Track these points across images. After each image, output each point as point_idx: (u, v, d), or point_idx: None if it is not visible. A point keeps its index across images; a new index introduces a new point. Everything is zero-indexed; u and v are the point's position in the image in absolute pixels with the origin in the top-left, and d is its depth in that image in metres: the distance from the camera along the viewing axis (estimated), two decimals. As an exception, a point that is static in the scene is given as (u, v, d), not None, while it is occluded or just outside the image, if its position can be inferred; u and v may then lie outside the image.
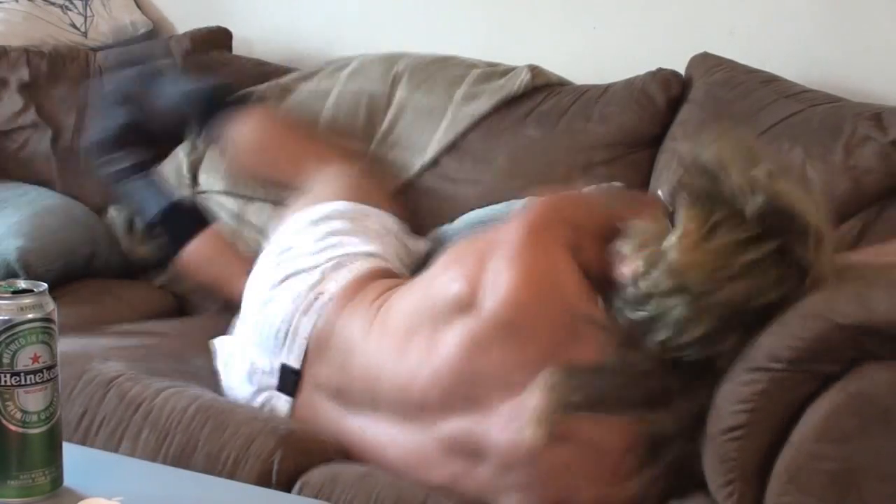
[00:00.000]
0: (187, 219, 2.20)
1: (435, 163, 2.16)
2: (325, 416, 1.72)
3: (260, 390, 1.78)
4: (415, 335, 1.64)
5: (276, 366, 1.77)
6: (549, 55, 2.22)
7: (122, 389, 1.69)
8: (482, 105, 2.15)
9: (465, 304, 1.60)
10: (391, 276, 1.84)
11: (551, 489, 1.51)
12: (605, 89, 2.09)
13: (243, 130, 2.19)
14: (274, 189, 2.19)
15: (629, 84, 2.08)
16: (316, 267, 1.81)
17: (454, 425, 1.59)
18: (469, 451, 1.57)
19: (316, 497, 1.53)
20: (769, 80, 1.99)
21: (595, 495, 1.50)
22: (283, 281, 1.82)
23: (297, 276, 1.81)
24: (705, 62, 2.06)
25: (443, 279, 1.67)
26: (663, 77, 2.07)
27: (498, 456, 1.54)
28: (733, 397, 1.35)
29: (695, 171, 1.52)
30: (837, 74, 2.04)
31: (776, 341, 1.33)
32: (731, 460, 1.36)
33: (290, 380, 1.76)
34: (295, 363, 1.75)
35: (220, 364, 1.86)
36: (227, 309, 2.03)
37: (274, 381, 1.77)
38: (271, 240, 1.97)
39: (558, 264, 1.59)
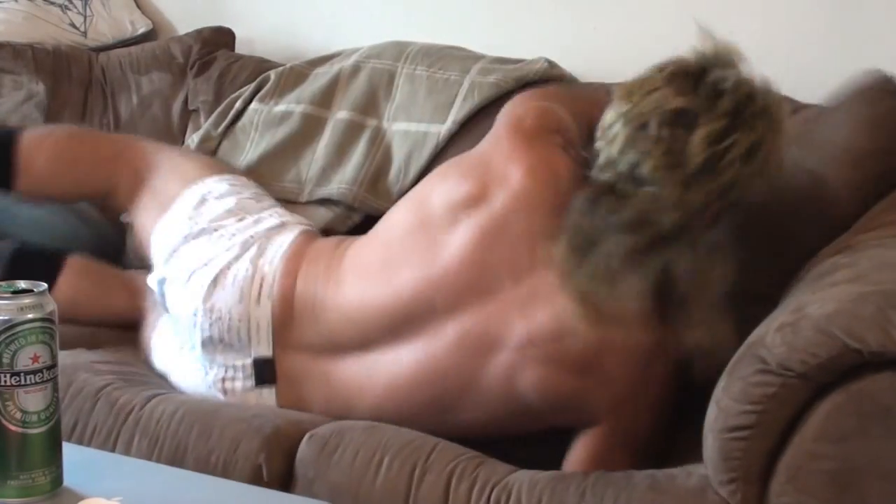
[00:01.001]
0: (36, 263, 2.03)
1: (444, 145, 2.15)
2: (315, 377, 1.74)
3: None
4: (406, 254, 1.70)
5: (246, 363, 1.77)
6: (550, 55, 2.22)
7: (112, 398, 1.69)
8: (501, 79, 2.14)
9: (473, 201, 1.68)
10: (316, 236, 1.90)
11: (576, 357, 1.59)
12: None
13: (38, 157, 2.06)
14: (99, 198, 2.13)
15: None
16: (237, 259, 1.81)
17: (465, 323, 1.64)
18: (484, 344, 1.63)
19: (324, 448, 1.56)
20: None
21: (621, 345, 1.58)
22: (213, 286, 1.80)
23: (224, 275, 1.80)
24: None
25: (444, 188, 1.72)
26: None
27: (519, 338, 1.61)
28: (742, 397, 1.35)
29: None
30: (837, 75, 2.04)
31: (789, 352, 1.32)
32: (735, 459, 1.35)
33: (266, 369, 1.76)
34: (266, 352, 1.76)
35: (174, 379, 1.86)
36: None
37: (249, 382, 1.77)
38: (158, 248, 1.92)
39: (554, 157, 1.71)
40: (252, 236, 1.85)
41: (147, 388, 1.76)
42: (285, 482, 1.58)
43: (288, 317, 1.77)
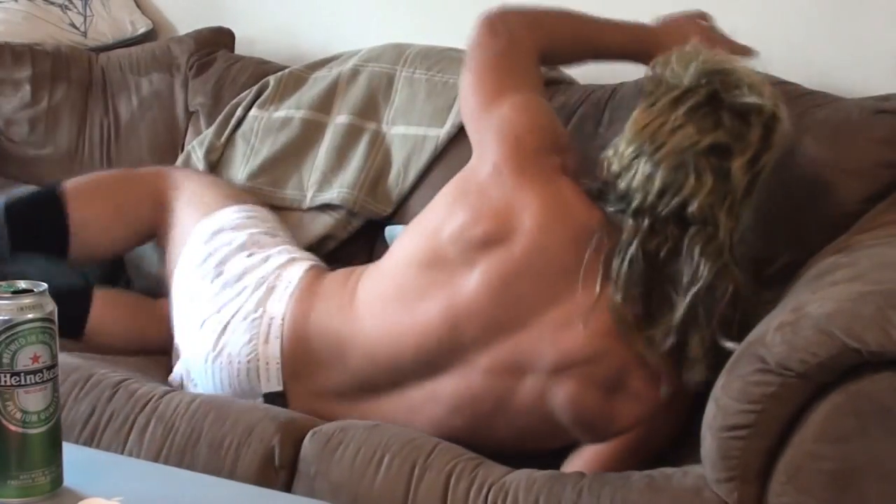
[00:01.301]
0: (69, 299, 1.94)
1: (443, 148, 2.14)
2: (338, 416, 1.71)
3: None
4: (423, 290, 1.70)
5: (258, 401, 1.76)
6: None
7: (130, 390, 1.69)
8: None
9: (489, 243, 1.67)
10: (324, 271, 1.88)
11: (606, 377, 1.62)
12: (613, 91, 2.08)
13: (85, 212, 2.02)
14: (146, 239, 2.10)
15: (640, 85, 2.06)
16: (246, 302, 1.80)
17: (496, 353, 1.65)
18: (515, 369, 1.65)
19: (326, 445, 1.57)
20: (771, 83, 1.98)
21: (646, 372, 1.61)
22: (222, 333, 1.79)
23: (233, 321, 1.79)
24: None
25: (454, 225, 1.71)
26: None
27: (550, 364, 1.63)
28: (742, 396, 1.35)
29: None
30: (836, 75, 2.04)
31: (788, 351, 1.32)
32: (734, 458, 1.35)
33: (278, 404, 1.75)
34: (277, 387, 1.76)
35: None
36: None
37: None
38: (178, 285, 1.93)
39: (561, 186, 1.71)
40: (262, 277, 1.83)
41: (164, 386, 1.77)
42: (291, 473, 1.58)
43: (303, 358, 1.76)
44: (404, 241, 1.80)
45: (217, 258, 1.89)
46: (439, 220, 1.74)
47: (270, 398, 1.76)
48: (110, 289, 2.08)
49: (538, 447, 1.69)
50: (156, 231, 2.06)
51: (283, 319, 1.77)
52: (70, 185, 2.05)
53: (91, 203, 2.04)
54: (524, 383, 1.65)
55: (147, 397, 1.68)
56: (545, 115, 1.81)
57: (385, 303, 1.73)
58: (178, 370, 1.86)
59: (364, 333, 1.73)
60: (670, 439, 1.67)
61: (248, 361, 1.76)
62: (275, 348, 1.76)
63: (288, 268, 1.85)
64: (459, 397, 1.67)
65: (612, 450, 1.65)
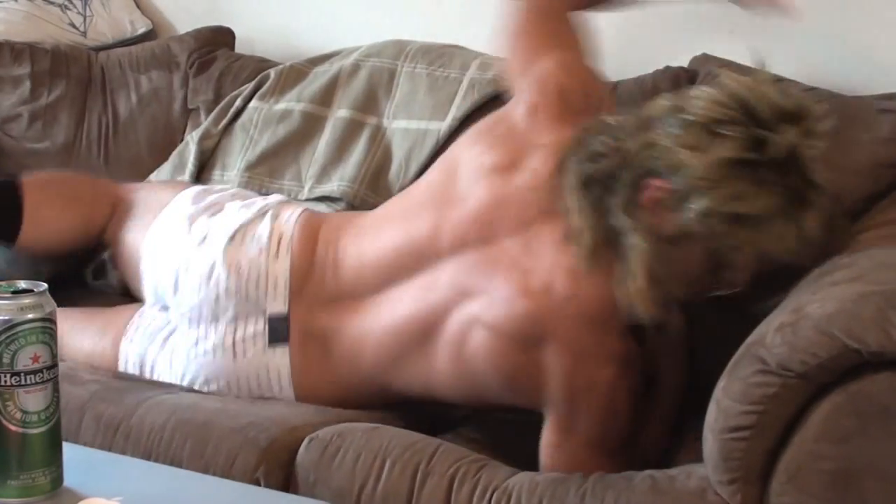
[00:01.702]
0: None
1: (444, 142, 2.15)
2: (331, 331, 1.78)
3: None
4: (424, 204, 1.79)
5: (259, 322, 1.79)
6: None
7: (97, 412, 1.67)
8: (500, 76, 2.14)
9: (501, 168, 1.74)
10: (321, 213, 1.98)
11: (523, 329, 1.63)
12: (614, 87, 2.08)
13: (40, 196, 2.02)
14: (96, 238, 2.09)
15: (639, 82, 2.07)
16: (253, 221, 1.88)
17: (458, 267, 1.71)
18: (466, 288, 1.69)
19: (324, 452, 1.56)
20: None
21: (573, 343, 1.61)
22: (231, 241, 1.85)
23: (241, 232, 1.86)
24: (706, 63, 2.05)
25: (472, 154, 1.78)
26: (674, 74, 2.07)
27: (495, 292, 1.66)
28: (743, 398, 1.35)
29: None
30: (837, 75, 2.04)
31: (789, 352, 1.32)
32: (736, 459, 1.35)
33: (280, 328, 1.79)
34: (282, 308, 1.79)
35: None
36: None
37: (262, 341, 1.78)
38: (153, 243, 1.94)
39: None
40: (266, 205, 1.92)
41: (131, 391, 1.74)
42: (284, 489, 1.57)
43: (306, 273, 1.81)
44: (429, 176, 1.88)
45: (208, 203, 1.95)
46: (460, 151, 1.82)
47: (274, 323, 1.78)
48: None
49: (483, 401, 1.72)
50: (108, 228, 2.06)
51: (292, 235, 1.84)
52: (29, 175, 2.08)
53: (47, 190, 2.06)
54: (463, 305, 1.68)
55: (116, 420, 1.65)
56: (594, 79, 1.87)
57: (388, 219, 1.83)
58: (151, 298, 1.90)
59: (361, 246, 1.81)
60: (628, 439, 1.66)
61: (258, 275, 1.81)
62: (284, 263, 1.81)
63: (285, 205, 1.94)
64: (417, 303, 1.72)
65: (548, 428, 1.65)
